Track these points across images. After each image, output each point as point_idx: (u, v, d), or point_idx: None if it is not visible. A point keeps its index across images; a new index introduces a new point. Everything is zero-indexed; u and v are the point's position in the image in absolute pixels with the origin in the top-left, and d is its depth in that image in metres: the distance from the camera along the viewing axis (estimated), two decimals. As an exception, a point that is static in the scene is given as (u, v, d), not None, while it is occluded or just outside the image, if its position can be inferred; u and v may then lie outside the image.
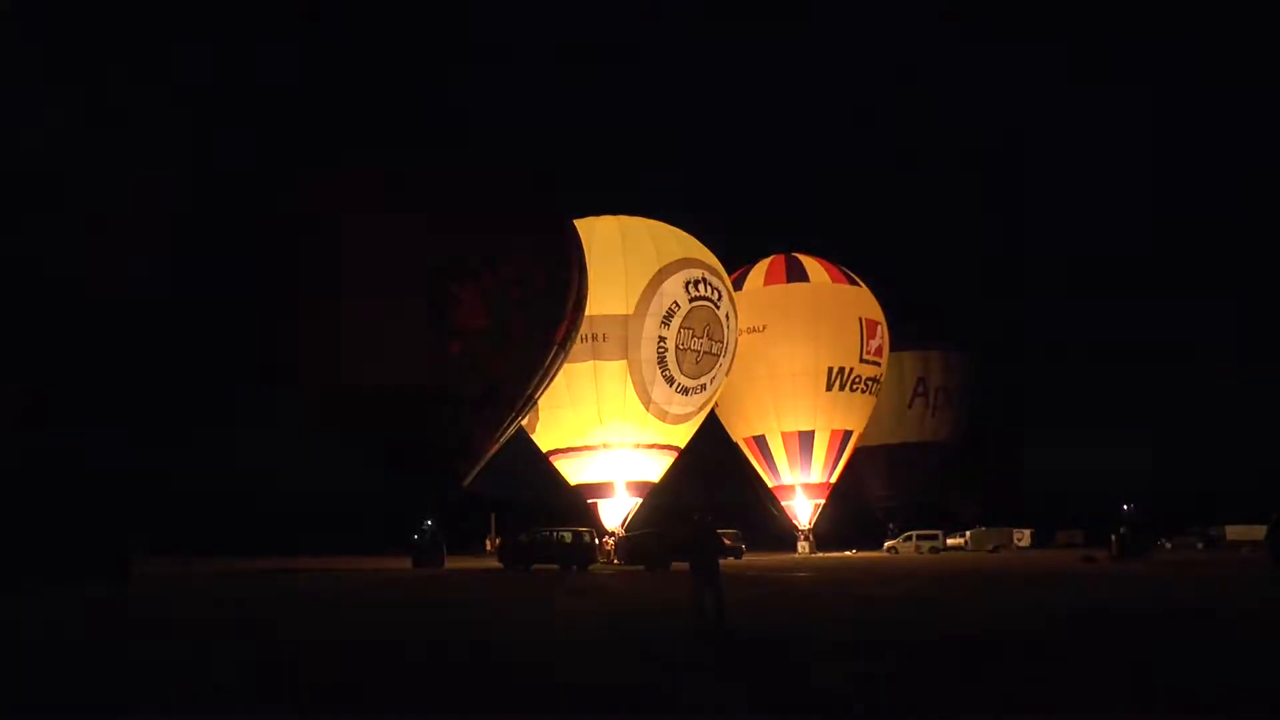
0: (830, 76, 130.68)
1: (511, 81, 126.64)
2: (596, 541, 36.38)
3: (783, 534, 53.34)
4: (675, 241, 44.00)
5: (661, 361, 41.85)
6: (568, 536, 33.79)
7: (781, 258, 52.39)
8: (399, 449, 33.28)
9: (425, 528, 34.94)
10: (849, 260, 53.77)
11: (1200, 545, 53.11)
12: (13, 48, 26.38)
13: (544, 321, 34.08)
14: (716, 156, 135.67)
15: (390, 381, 31.84)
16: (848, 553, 54.16)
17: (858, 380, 50.42)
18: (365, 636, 12.95)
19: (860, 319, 51.01)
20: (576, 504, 44.51)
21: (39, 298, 26.88)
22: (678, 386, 42.43)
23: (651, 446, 43.23)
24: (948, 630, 13.16)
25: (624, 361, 41.33)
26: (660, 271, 42.23)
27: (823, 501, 52.01)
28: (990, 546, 56.99)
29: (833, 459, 50.96)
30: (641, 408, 41.90)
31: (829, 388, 49.52)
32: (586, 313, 37.29)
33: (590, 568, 33.40)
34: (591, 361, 40.94)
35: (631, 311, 41.38)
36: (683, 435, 44.40)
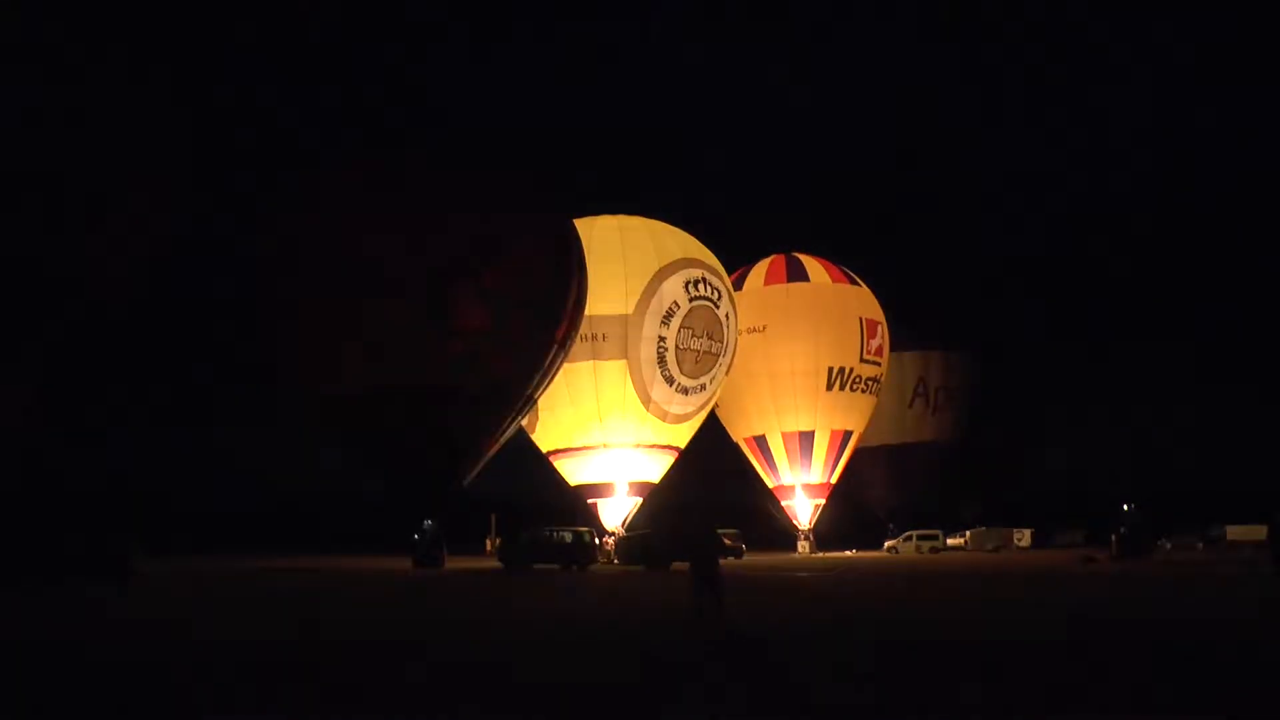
0: (830, 76, 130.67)
1: (511, 81, 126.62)
2: (596, 541, 36.40)
3: (782, 534, 53.35)
4: (675, 241, 44.01)
5: (661, 361, 41.85)
6: (568, 536, 33.81)
7: (782, 258, 52.39)
8: (399, 449, 33.29)
9: (425, 528, 34.93)
10: (849, 260, 53.86)
11: (1200, 545, 53.12)
12: (12, 47, 26.38)
13: (544, 321, 34.09)
14: (716, 156, 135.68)
15: (390, 381, 31.87)
16: (848, 553, 54.15)
17: (858, 380, 50.43)
18: (365, 637, 12.95)
19: (860, 319, 51.02)
20: (576, 504, 44.51)
21: (39, 298, 26.87)
22: (677, 386, 42.43)
23: (651, 446, 43.23)
24: (948, 631, 13.16)
25: (624, 361, 41.34)
26: (660, 271, 42.23)
27: (823, 501, 52.01)
28: (990, 546, 57.00)
29: (833, 459, 50.97)
30: (641, 407, 41.91)
31: (829, 388, 49.53)
32: (586, 312, 37.30)
33: (590, 568, 33.42)
34: (591, 361, 40.94)
35: (631, 311, 41.38)
36: (683, 435, 44.40)
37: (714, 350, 43.79)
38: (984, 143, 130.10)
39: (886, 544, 55.96)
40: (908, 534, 54.95)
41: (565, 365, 37.20)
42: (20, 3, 27.59)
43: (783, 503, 52.21)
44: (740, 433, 51.97)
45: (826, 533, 54.81)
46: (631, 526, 43.02)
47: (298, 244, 33.02)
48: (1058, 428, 75.21)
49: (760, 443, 51.28)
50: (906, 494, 60.10)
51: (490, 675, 9.46)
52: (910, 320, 56.77)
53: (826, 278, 51.45)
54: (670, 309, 42.16)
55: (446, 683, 9.02)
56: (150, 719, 7.59)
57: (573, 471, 43.93)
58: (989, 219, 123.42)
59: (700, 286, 43.41)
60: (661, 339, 41.84)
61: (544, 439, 43.91)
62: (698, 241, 44.87)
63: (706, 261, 44.49)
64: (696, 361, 43.04)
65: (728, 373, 45.22)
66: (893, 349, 53.51)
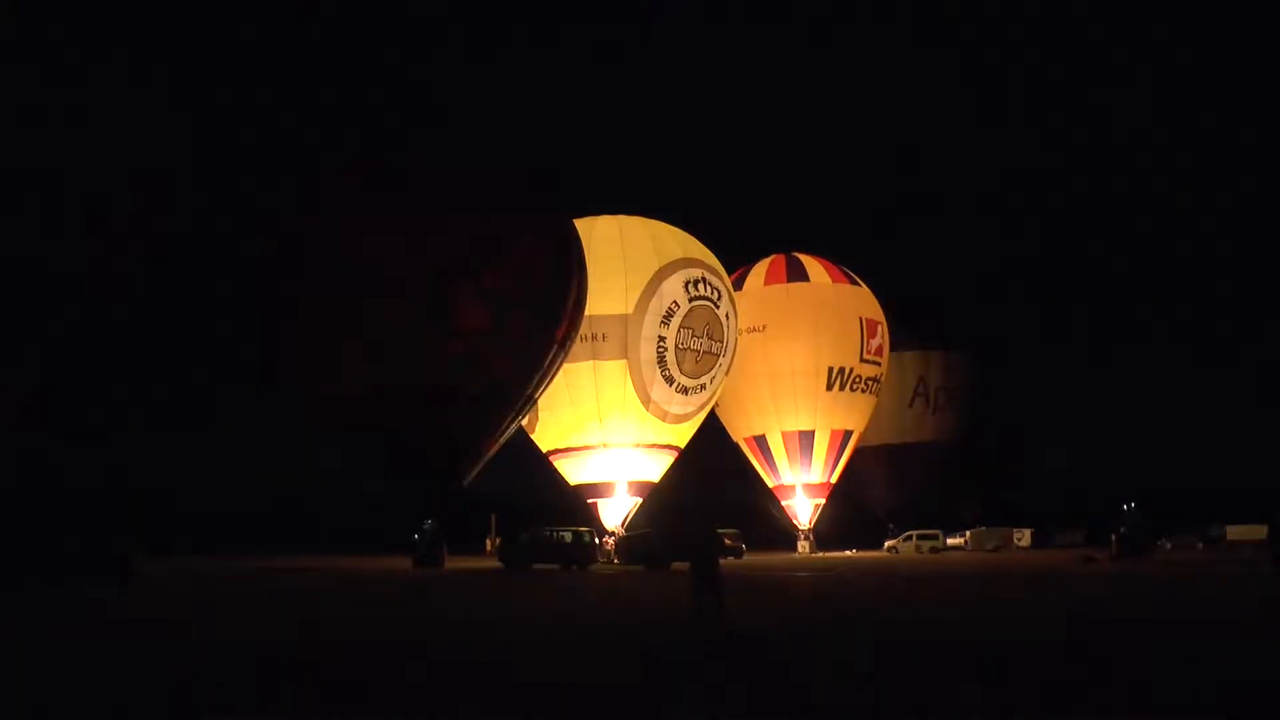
0: (830, 76, 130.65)
1: (511, 81, 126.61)
2: (596, 541, 36.42)
3: (782, 533, 53.36)
4: (675, 241, 44.02)
5: (661, 361, 41.86)
6: (568, 536, 33.82)
7: (782, 257, 52.40)
8: (399, 449, 33.29)
9: (425, 527, 34.95)
10: (849, 260, 53.88)
11: (1200, 545, 53.11)
12: (12, 47, 26.38)
13: (544, 321, 34.10)
14: (716, 156, 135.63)
15: (390, 381, 31.87)
16: (848, 552, 54.16)
17: (858, 380, 50.44)
18: (365, 637, 12.95)
19: (861, 319, 51.04)
20: (576, 504, 44.52)
21: (39, 298, 26.87)
22: (677, 386, 42.44)
23: (651, 446, 43.24)
24: (948, 631, 13.16)
25: (624, 361, 41.34)
26: (660, 271, 42.24)
27: (823, 501, 52.03)
28: (990, 546, 56.99)
29: (833, 459, 50.98)
30: (641, 407, 41.92)
31: (829, 387, 49.54)
32: (586, 312, 37.30)
33: (590, 567, 33.42)
34: (591, 361, 40.94)
35: (631, 311, 41.39)
36: (683, 435, 44.41)
37: (714, 350, 43.79)
38: (984, 143, 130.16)
39: (886, 544, 55.96)
40: (908, 534, 54.94)
41: (565, 365, 37.21)
42: (20, 3, 27.59)
43: (783, 502, 52.23)
44: (740, 432, 51.98)
45: (826, 533, 54.82)
46: (631, 526, 43.03)
47: (298, 244, 33.03)
48: (1058, 428, 75.24)
49: (760, 442, 51.29)
50: (906, 494, 60.09)
51: (490, 675, 9.46)
52: (910, 320, 56.80)
53: (826, 278, 51.46)
54: (670, 309, 42.17)
55: (446, 683, 9.02)
56: (150, 719, 7.59)
57: (573, 471, 43.94)
58: (989, 219, 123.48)
59: (700, 286, 43.42)
60: (661, 339, 41.85)
61: (544, 439, 43.92)
62: (698, 241, 44.88)
63: (706, 261, 44.50)
64: (696, 361, 43.05)
65: (728, 373, 45.22)
66: (893, 349, 53.53)
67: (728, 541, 37.45)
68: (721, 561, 14.32)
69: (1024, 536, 60.90)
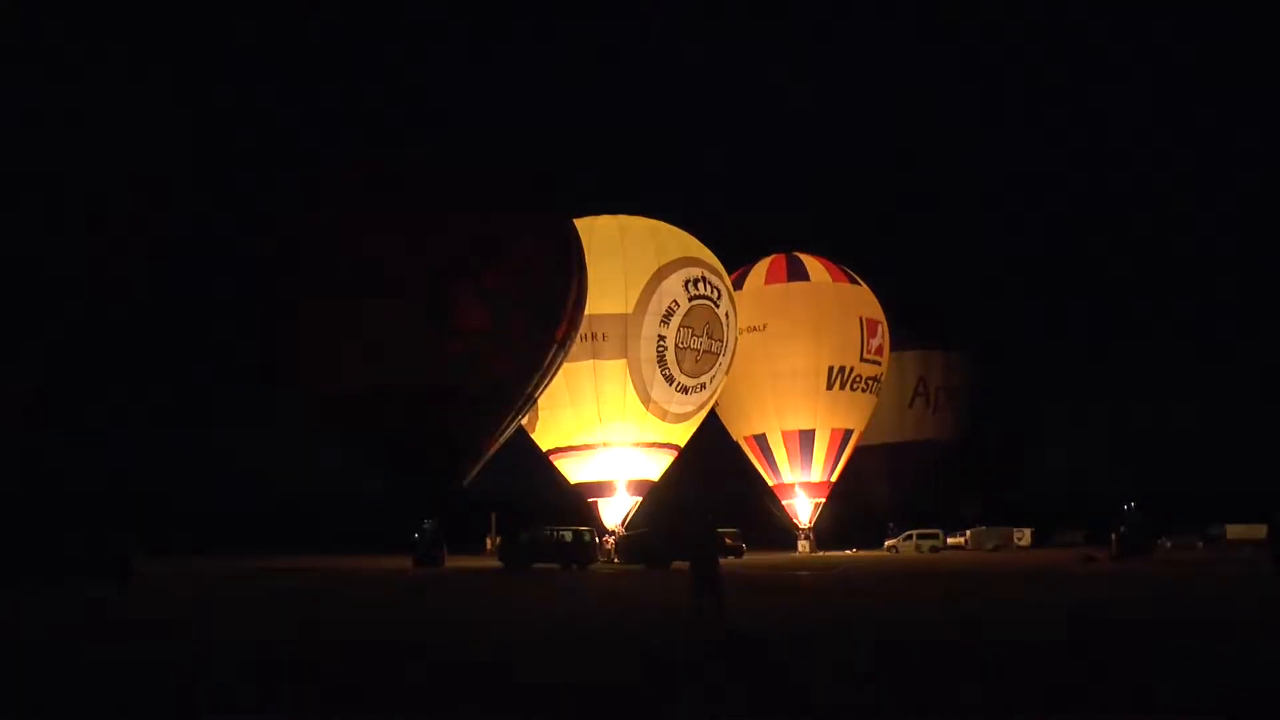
0: (830, 76, 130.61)
1: (511, 81, 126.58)
2: (597, 540, 36.42)
3: (782, 533, 53.36)
4: (674, 240, 44.02)
5: (661, 360, 41.87)
6: (568, 536, 33.82)
7: (782, 257, 52.41)
8: (399, 449, 33.29)
9: (425, 527, 34.95)
10: (849, 260, 53.86)
11: (1200, 544, 53.09)
12: (12, 47, 26.37)
13: (544, 321, 34.09)
14: (716, 156, 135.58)
15: (390, 381, 31.86)
16: (848, 552, 54.17)
17: (858, 379, 50.45)
18: (365, 637, 12.95)
19: (861, 318, 51.04)
20: (576, 503, 44.53)
21: (39, 298, 26.87)
22: (677, 385, 42.45)
23: (651, 445, 43.25)
24: (948, 631, 13.16)
25: (623, 360, 41.35)
26: (659, 270, 42.25)
27: (823, 500, 52.03)
28: (990, 546, 56.99)
29: (833, 458, 50.98)
30: (641, 406, 41.92)
31: (829, 387, 49.55)
32: (586, 312, 37.29)
33: (590, 567, 33.42)
34: (591, 360, 40.95)
35: (631, 310, 41.40)
36: (683, 434, 44.41)
37: (714, 349, 43.80)
38: (984, 143, 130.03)
39: (887, 543, 55.95)
40: (908, 533, 54.93)
41: (565, 364, 37.21)
42: (20, 3, 27.59)
43: (783, 502, 52.24)
44: (740, 431, 51.99)
45: (826, 532, 54.83)
46: (631, 525, 43.04)
47: (298, 244, 33.01)
48: (1058, 428, 75.16)
49: (760, 442, 51.30)
50: (907, 493, 60.11)
51: (490, 675, 9.47)
52: (910, 320, 56.81)
53: (827, 277, 51.47)
54: (670, 308, 42.18)
55: (446, 683, 9.02)
56: (150, 719, 7.60)
57: (573, 470, 43.95)
58: (989, 219, 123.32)
59: (699, 285, 43.42)
60: (661, 338, 41.86)
61: (544, 438, 43.92)
62: (697, 241, 44.89)
63: (706, 260, 44.50)
64: (696, 360, 43.06)
65: (727, 372, 45.23)
66: (893, 348, 53.54)
67: (728, 541, 37.45)
68: (721, 561, 14.33)
69: (1024, 536, 60.88)
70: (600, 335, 40.93)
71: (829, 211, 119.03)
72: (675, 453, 44.47)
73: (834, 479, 51.75)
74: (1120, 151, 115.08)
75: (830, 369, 49.48)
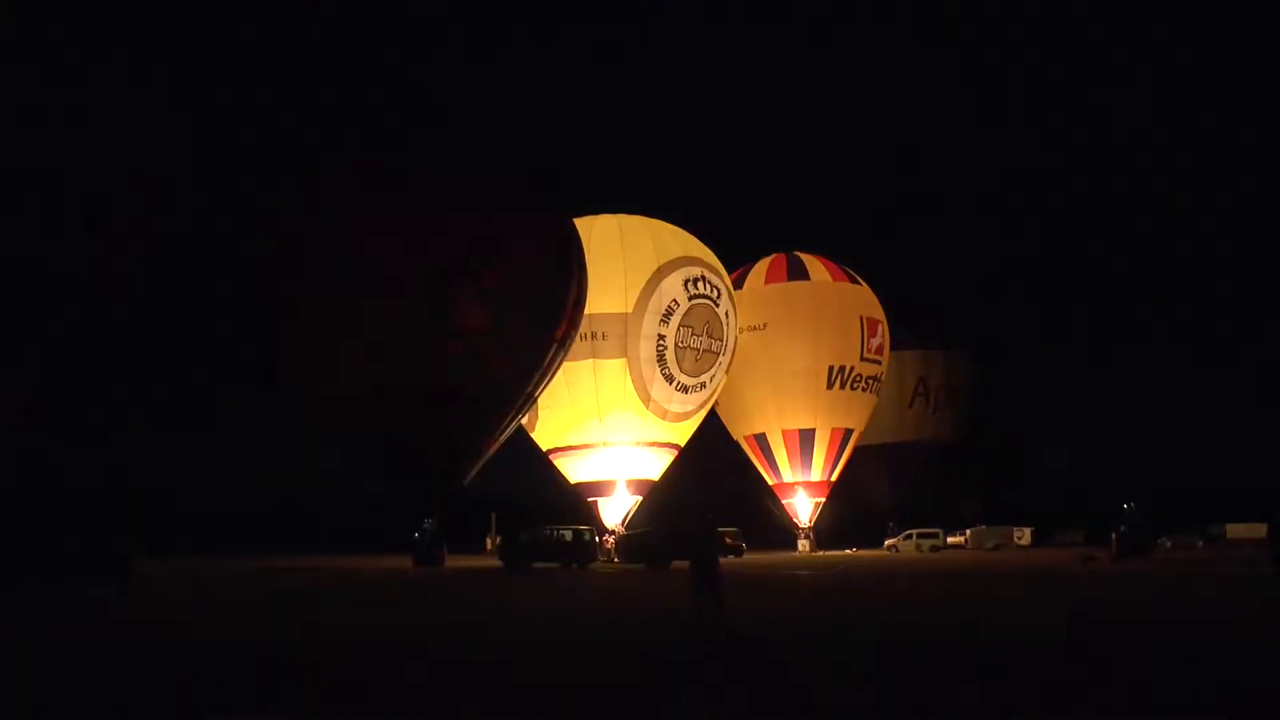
0: (830, 76, 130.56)
1: (511, 81, 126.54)
2: (597, 540, 36.43)
3: (782, 532, 53.36)
4: (674, 240, 44.04)
5: (661, 359, 41.88)
6: (568, 535, 33.83)
7: (782, 256, 52.42)
8: (399, 449, 33.30)
9: (426, 527, 34.97)
10: (849, 260, 53.86)
11: (1200, 544, 53.07)
12: (12, 47, 26.38)
13: (544, 320, 34.10)
14: (716, 156, 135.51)
15: (390, 381, 31.87)
16: (848, 551, 54.17)
17: (858, 379, 50.46)
18: (365, 637, 12.96)
19: (861, 317, 51.05)
20: (577, 502, 44.53)
21: (39, 298, 26.88)
22: (677, 384, 42.47)
23: (651, 444, 43.26)
24: (948, 631, 13.16)
25: (623, 360, 41.36)
26: (659, 270, 42.26)
27: (823, 500, 52.03)
28: (990, 545, 56.97)
29: (833, 457, 50.99)
30: (641, 406, 41.94)
31: (830, 386, 49.55)
32: (586, 311, 37.31)
33: (590, 566, 33.43)
34: (591, 360, 40.96)
35: (631, 310, 41.41)
36: (683, 433, 44.43)
37: (714, 348, 43.82)
38: (984, 143, 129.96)
39: (887, 542, 55.95)
40: (908, 532, 54.92)
41: (565, 364, 37.22)
42: (20, 3, 27.59)
43: (783, 501, 52.24)
44: (740, 431, 52.00)
45: (827, 531, 54.83)
46: (631, 525, 43.04)
47: (298, 244, 33.02)
48: (1058, 428, 75.18)
49: (760, 441, 51.30)
50: (907, 493, 60.11)
51: (490, 675, 9.47)
52: (910, 320, 56.81)
53: (827, 276, 51.47)
54: (669, 307, 42.19)
55: (446, 683, 9.02)
56: (150, 719, 7.60)
57: (573, 470, 43.96)
58: (989, 219, 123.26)
59: (699, 285, 43.43)
60: (661, 337, 41.87)
61: (544, 437, 43.94)
62: (697, 240, 44.90)
63: (705, 260, 44.51)
64: (696, 359, 43.08)
65: (727, 371, 45.25)
66: (893, 348, 53.55)
67: (728, 540, 37.46)
68: (721, 560, 14.33)
69: (1024, 535, 60.86)
70: (600, 334, 40.95)
71: (829, 211, 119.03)
72: (675, 452, 44.48)
73: (834, 478, 51.76)
74: (1120, 151, 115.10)
75: (830, 368, 49.49)
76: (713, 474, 52.13)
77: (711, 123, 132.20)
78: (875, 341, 51.37)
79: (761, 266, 52.19)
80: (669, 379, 42.17)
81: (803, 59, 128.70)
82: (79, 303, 28.06)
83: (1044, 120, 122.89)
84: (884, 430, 57.16)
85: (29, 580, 22.44)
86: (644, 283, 41.85)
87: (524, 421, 39.67)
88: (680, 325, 42.43)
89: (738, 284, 49.14)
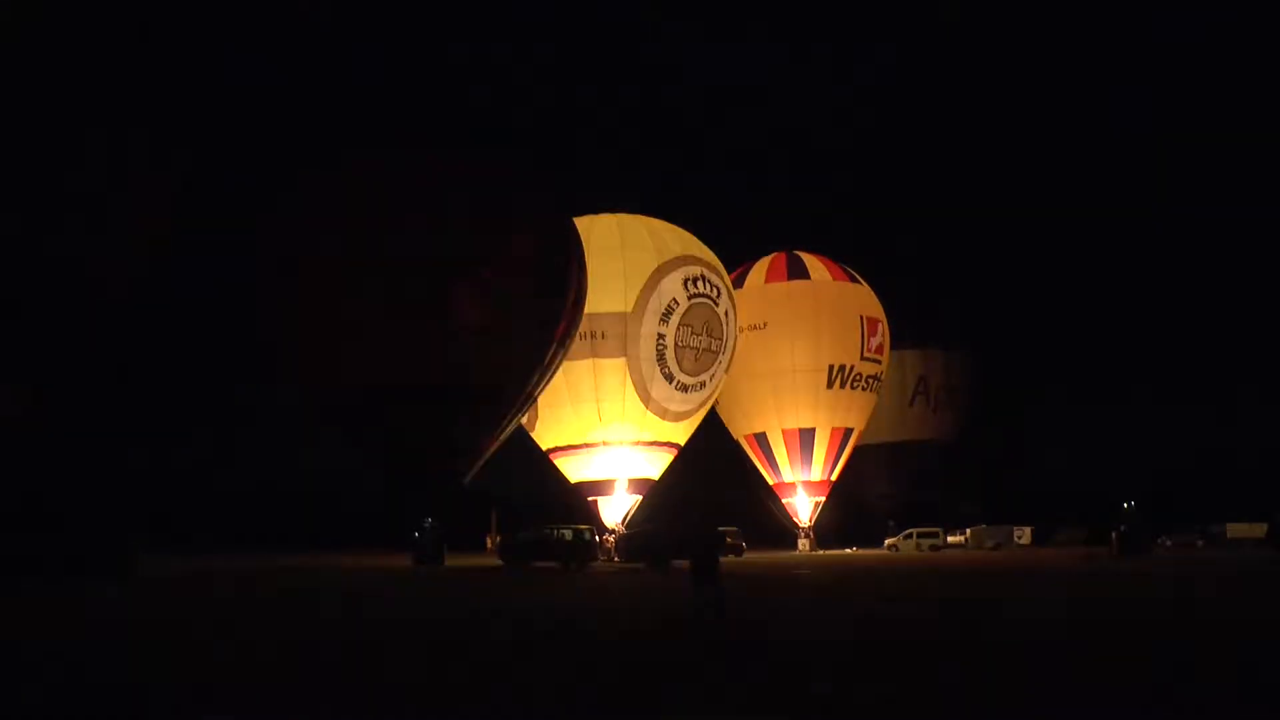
0: (830, 76, 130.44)
1: (512, 81, 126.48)
2: (597, 539, 36.44)
3: (783, 531, 53.37)
4: (674, 239, 44.02)
5: (661, 359, 41.86)
6: (568, 534, 33.83)
7: (783, 255, 52.41)
8: (399, 448, 33.29)
9: (426, 526, 34.98)
10: (849, 260, 53.84)
11: (1200, 543, 53.15)
12: (13, 48, 26.38)
13: (543, 319, 34.08)
14: (717, 156, 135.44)
15: (390, 380, 31.86)
16: (848, 550, 54.19)
17: (859, 378, 50.45)
18: (364, 636, 12.96)
19: (861, 316, 51.04)
20: (577, 502, 44.53)
21: (39, 298, 26.88)
22: (677, 384, 42.46)
23: (651, 444, 43.24)
24: (948, 630, 13.17)
25: (623, 359, 41.34)
26: (659, 269, 42.25)
27: (823, 499, 52.03)
28: (990, 544, 57.03)
29: (833, 457, 50.98)
30: (641, 405, 41.92)
31: (830, 385, 49.55)
32: (586, 310, 37.29)
33: (590, 565, 33.43)
34: (591, 359, 40.95)
35: (630, 309, 41.39)
36: (682, 433, 44.41)
37: (713, 348, 43.81)
38: (984, 142, 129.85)
39: (887, 542, 55.97)
40: (908, 532, 54.95)
41: (565, 363, 37.20)
42: (20, 3, 27.59)
43: (783, 500, 52.24)
44: (741, 430, 52.00)
45: (827, 531, 54.83)
46: (631, 524, 43.04)
47: (298, 244, 33.01)
48: (1058, 427, 75.26)
49: (761, 440, 51.30)
50: (907, 492, 60.12)
51: (490, 675, 9.47)
52: (910, 320, 56.84)
53: (827, 275, 51.46)
54: (669, 306, 42.17)
55: (446, 683, 9.02)
56: (150, 719, 7.60)
57: (573, 469, 43.95)
58: (989, 219, 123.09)
59: (699, 284, 43.42)
60: (661, 336, 41.86)
61: (544, 437, 43.92)
62: (696, 239, 44.88)
63: (705, 259, 44.50)
64: (696, 359, 43.06)
65: (727, 370, 45.24)
66: (894, 347, 53.54)
67: (728, 539, 37.47)
68: (722, 560, 14.33)
69: (1024, 535, 60.94)
70: (600, 334, 40.93)
71: (829, 211, 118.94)
72: (675, 451, 44.47)
73: (834, 478, 51.76)
74: (1120, 151, 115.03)
75: (831, 367, 49.49)
76: (713, 474, 52.11)
77: (711, 122, 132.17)
78: (875, 341, 51.37)
79: (762, 265, 52.18)
80: (669, 378, 42.16)
81: (803, 59, 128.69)
82: (79, 302, 28.06)
83: (1044, 120, 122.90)
84: (884, 429, 57.16)
85: (29, 580, 22.44)
86: (644, 282, 41.83)
87: (524, 421, 39.66)
88: (680, 324, 42.42)
89: (738, 283, 49.13)
